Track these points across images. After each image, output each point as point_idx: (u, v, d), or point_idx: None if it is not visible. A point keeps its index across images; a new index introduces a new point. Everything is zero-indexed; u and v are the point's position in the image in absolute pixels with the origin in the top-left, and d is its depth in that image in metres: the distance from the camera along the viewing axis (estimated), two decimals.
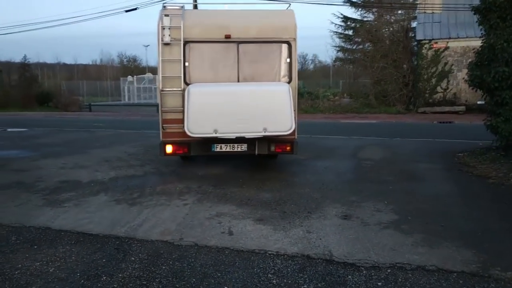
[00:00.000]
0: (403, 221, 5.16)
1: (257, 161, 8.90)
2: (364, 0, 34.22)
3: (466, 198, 6.27)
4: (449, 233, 4.73)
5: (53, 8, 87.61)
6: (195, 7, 20.49)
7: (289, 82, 7.62)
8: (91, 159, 9.63)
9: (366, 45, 28.45)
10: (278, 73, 7.73)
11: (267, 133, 6.99)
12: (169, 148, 7.56)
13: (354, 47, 33.60)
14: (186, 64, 7.50)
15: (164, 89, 7.43)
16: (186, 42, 7.44)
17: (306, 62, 63.82)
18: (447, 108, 21.97)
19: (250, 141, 7.40)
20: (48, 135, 14.60)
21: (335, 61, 38.00)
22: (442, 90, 22.53)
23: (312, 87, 34.95)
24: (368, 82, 27.23)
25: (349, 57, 34.75)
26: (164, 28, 7.38)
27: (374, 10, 30.55)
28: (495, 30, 8.73)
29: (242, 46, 7.59)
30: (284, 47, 7.71)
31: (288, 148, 7.65)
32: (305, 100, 25.67)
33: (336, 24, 34.91)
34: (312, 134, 14.38)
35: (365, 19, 32.28)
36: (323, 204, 5.90)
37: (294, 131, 7.26)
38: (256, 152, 7.58)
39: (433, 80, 22.62)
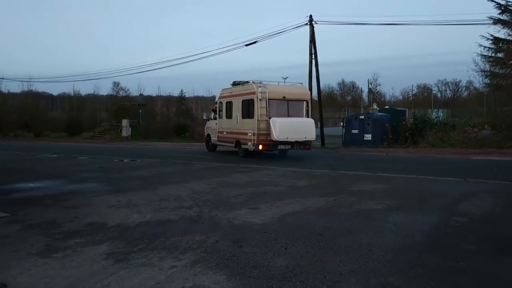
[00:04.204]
0: None
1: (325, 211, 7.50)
2: None
3: None
4: None
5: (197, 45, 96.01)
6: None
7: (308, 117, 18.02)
8: (150, 196, 9.22)
9: None
10: (303, 114, 17.79)
11: (306, 139, 16.99)
12: (260, 146, 16.63)
13: (505, 71, 29.13)
14: (268, 109, 16.84)
15: (259, 119, 16.73)
16: (268, 99, 16.87)
17: (459, 90, 57.72)
18: None
19: (293, 143, 16.87)
20: (146, 167, 14.97)
21: (486, 87, 33.47)
22: None
23: (463, 115, 31.27)
24: None
25: (501, 82, 30.25)
26: (259, 92, 16.71)
27: None
28: None
29: (289, 102, 17.52)
30: (305, 103, 18.00)
31: (307, 147, 17.47)
32: (434, 132, 22.54)
33: (485, 47, 30.84)
34: (420, 174, 12.20)
35: None
36: (340, 285, 4.29)
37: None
38: (294, 148, 17.23)
39: None
